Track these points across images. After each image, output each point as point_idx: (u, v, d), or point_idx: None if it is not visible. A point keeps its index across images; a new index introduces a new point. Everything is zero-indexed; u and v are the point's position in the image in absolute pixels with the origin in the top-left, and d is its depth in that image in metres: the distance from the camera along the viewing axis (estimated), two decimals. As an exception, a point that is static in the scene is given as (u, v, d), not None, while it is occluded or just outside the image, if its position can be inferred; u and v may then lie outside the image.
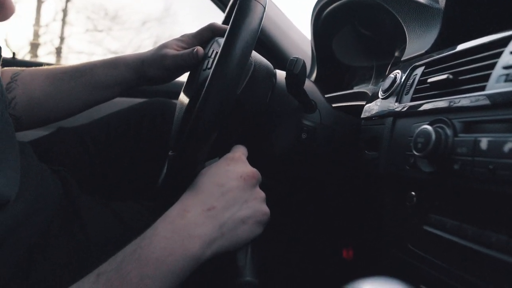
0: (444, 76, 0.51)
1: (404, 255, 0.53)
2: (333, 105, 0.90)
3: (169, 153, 0.75)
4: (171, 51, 0.74)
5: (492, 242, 0.39)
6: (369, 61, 0.97)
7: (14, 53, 1.24)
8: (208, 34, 0.76)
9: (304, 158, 0.74)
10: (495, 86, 0.43)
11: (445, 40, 0.65)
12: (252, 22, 0.56)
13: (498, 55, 0.45)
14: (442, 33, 0.65)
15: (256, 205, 0.55)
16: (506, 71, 0.42)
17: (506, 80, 0.41)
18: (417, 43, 0.69)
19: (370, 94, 0.78)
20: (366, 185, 0.70)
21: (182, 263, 0.47)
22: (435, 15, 0.67)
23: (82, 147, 0.89)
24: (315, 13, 0.98)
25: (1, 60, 0.61)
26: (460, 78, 0.50)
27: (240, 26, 0.55)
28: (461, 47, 0.55)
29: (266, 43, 1.23)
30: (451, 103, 0.48)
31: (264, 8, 0.59)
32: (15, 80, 0.74)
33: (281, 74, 0.77)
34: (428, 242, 0.49)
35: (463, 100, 0.46)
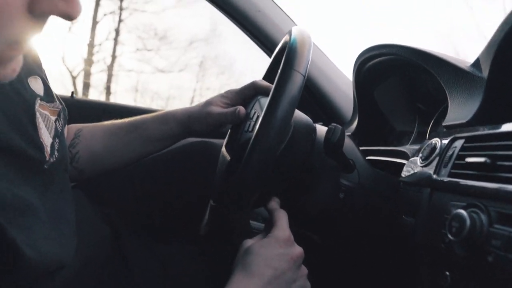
0: (482, 160, 0.52)
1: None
2: (371, 157, 0.91)
3: (211, 202, 0.79)
4: (216, 109, 0.79)
5: None
6: (411, 115, 0.98)
7: (73, 92, 1.33)
8: (250, 92, 0.79)
9: (342, 217, 0.75)
10: (531, 182, 0.43)
11: (488, 112, 0.65)
12: (292, 93, 0.59)
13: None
14: (484, 103, 0.65)
15: (302, 283, 0.61)
16: (543, 168, 0.43)
17: (543, 178, 0.42)
18: (459, 110, 0.70)
19: (410, 154, 0.79)
20: (403, 253, 0.70)
21: None
22: (477, 84, 0.67)
23: (130, 188, 0.95)
24: (357, 65, 1.00)
25: (66, 120, 0.67)
26: (498, 163, 0.50)
27: (280, 97, 0.59)
28: (504, 127, 0.55)
29: (310, 89, 1.25)
30: (488, 190, 0.49)
31: (304, 77, 0.62)
32: (78, 136, 0.81)
33: (321, 129, 0.79)
34: (460, 326, 0.49)
35: (500, 190, 0.47)
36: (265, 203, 0.70)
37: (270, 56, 1.21)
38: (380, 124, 1.07)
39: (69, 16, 0.36)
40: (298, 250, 0.62)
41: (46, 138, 0.57)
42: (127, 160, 0.85)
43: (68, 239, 0.56)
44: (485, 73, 0.66)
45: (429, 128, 0.84)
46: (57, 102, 0.65)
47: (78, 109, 0.93)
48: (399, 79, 0.96)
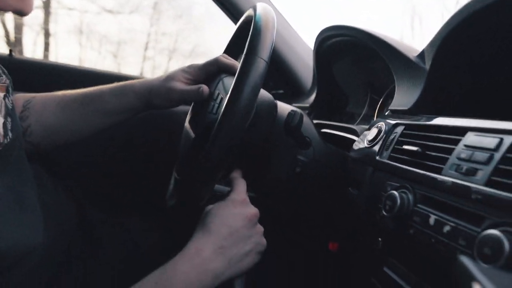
0: (415, 148, 0.62)
1: (367, 285, 0.66)
2: (325, 130, 1.01)
3: (175, 175, 0.85)
4: (178, 85, 0.78)
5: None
6: (364, 92, 1.07)
7: (11, 51, 1.20)
8: (213, 68, 0.79)
9: (297, 189, 0.85)
10: (448, 172, 0.53)
11: (427, 102, 0.74)
12: (255, 80, 0.63)
13: (457, 142, 0.56)
14: (424, 93, 0.74)
15: (257, 239, 0.67)
16: (458, 162, 0.53)
17: (456, 170, 0.52)
18: (403, 97, 0.79)
19: (359, 132, 0.89)
20: (346, 220, 0.82)
21: None
22: (420, 74, 0.76)
23: (90, 159, 0.98)
24: (317, 42, 1.07)
25: (12, 90, 0.65)
26: (427, 152, 0.60)
27: (244, 85, 0.62)
28: (436, 120, 0.65)
29: (273, 57, 1.31)
30: (417, 175, 0.59)
31: (267, 63, 0.67)
32: (28, 108, 0.78)
33: (281, 106, 0.87)
34: (385, 280, 0.61)
35: (425, 176, 0.57)
36: (228, 175, 0.77)
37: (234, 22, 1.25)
38: (336, 98, 1.16)
39: (22, 12, 0.39)
40: (253, 210, 0.68)
41: None
42: (84, 133, 0.83)
43: (34, 221, 0.58)
44: (427, 64, 0.75)
45: (377, 108, 0.93)
46: (4, 76, 0.65)
47: (19, 72, 0.81)
48: (356, 58, 1.05)
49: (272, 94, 1.49)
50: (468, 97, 0.74)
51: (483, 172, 0.48)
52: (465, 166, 0.51)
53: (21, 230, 0.53)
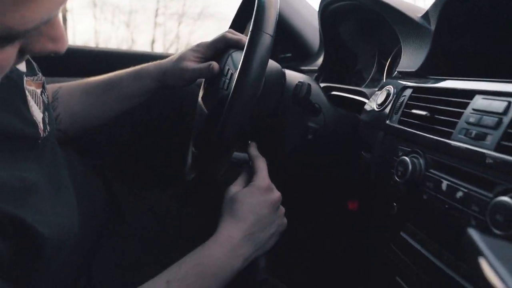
0: (423, 113, 0.62)
1: (387, 251, 0.68)
2: (335, 92, 1.01)
3: (192, 149, 0.88)
4: (190, 64, 0.82)
5: (444, 259, 0.53)
6: (372, 52, 1.06)
7: None
8: (221, 45, 0.82)
9: (311, 156, 0.87)
10: (457, 137, 0.54)
11: (434, 63, 0.74)
12: (262, 54, 0.66)
13: (466, 105, 0.56)
14: (430, 55, 0.74)
15: (279, 221, 0.72)
16: (467, 126, 0.53)
17: (465, 135, 0.53)
18: (410, 58, 0.78)
19: (368, 95, 0.88)
20: (361, 185, 0.83)
21: (230, 275, 0.64)
22: (426, 35, 0.75)
23: (111, 136, 1.02)
24: (321, 7, 1.05)
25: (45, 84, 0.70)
26: (436, 116, 0.61)
27: (252, 60, 0.65)
28: (443, 83, 0.65)
29: (280, 23, 1.30)
30: (427, 139, 0.60)
31: (273, 37, 0.68)
32: (56, 99, 0.82)
33: (289, 74, 0.88)
34: (403, 245, 0.63)
35: (434, 141, 0.58)
36: (243, 147, 0.80)
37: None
38: (344, 59, 1.14)
39: (58, 52, 0.42)
40: (276, 195, 0.73)
41: (37, 114, 0.62)
42: (107, 117, 0.88)
43: (71, 206, 0.62)
44: (433, 25, 0.74)
45: (386, 69, 0.93)
46: (39, 73, 0.68)
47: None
48: (361, 20, 1.03)
49: (281, 58, 1.50)
50: (475, 58, 0.73)
51: (492, 137, 0.49)
52: (474, 130, 0.51)
53: (62, 215, 0.58)
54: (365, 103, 0.86)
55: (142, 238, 0.80)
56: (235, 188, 0.72)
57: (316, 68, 1.19)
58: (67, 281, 0.64)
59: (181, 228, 0.85)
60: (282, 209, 0.74)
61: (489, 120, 0.50)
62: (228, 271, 0.64)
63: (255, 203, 0.69)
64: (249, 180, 0.73)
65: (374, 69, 1.02)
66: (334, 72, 1.15)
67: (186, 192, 0.92)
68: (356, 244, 0.98)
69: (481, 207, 0.47)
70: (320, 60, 1.18)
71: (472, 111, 0.54)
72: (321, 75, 1.16)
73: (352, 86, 1.02)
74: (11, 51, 0.37)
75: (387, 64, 0.93)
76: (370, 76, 1.01)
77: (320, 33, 1.15)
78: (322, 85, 1.12)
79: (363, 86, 1.03)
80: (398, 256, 0.64)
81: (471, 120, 0.53)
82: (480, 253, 0.31)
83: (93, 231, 0.73)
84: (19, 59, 0.40)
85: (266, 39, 0.66)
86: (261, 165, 0.74)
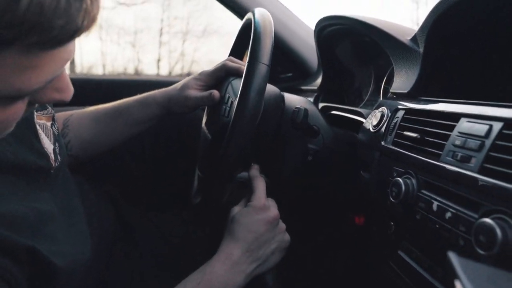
0: (414, 135, 0.65)
1: (386, 268, 0.70)
2: (334, 112, 1.04)
3: (198, 173, 0.92)
4: (193, 92, 0.86)
5: (438, 276, 0.56)
6: (368, 72, 1.09)
7: None
8: (222, 73, 0.86)
9: (312, 176, 0.90)
10: (445, 159, 0.57)
11: (424, 84, 0.76)
12: (259, 83, 0.70)
13: (452, 128, 0.59)
14: (421, 76, 0.76)
15: (280, 237, 0.75)
16: (453, 148, 0.56)
17: (452, 157, 0.56)
18: (402, 80, 0.81)
19: (365, 115, 0.92)
20: (360, 204, 0.86)
21: None
22: (416, 58, 0.78)
23: (120, 160, 1.06)
24: (317, 30, 1.09)
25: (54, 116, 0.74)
26: (426, 138, 0.64)
27: (250, 89, 0.69)
28: (430, 106, 0.68)
29: (278, 45, 1.34)
30: (418, 161, 0.63)
31: (269, 66, 0.72)
32: (67, 126, 0.86)
33: (288, 97, 0.91)
34: (400, 263, 0.66)
35: (425, 162, 0.61)
36: (246, 168, 0.83)
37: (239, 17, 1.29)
38: (342, 78, 1.18)
39: (64, 101, 0.47)
40: (272, 213, 0.75)
41: (48, 145, 0.66)
42: (115, 143, 0.92)
43: (84, 233, 0.66)
44: (421, 48, 0.77)
45: (381, 89, 0.96)
46: (49, 107, 0.72)
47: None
48: (356, 41, 1.06)
49: (281, 78, 1.53)
50: (463, 80, 0.76)
51: (476, 160, 0.51)
52: (459, 153, 0.54)
53: (76, 245, 0.61)
54: (362, 122, 0.89)
55: (150, 259, 0.83)
56: (237, 208, 0.76)
57: (316, 88, 1.23)
58: None
59: (188, 249, 0.88)
60: (283, 226, 0.77)
61: (473, 143, 0.53)
62: (231, 286, 0.68)
63: (251, 222, 0.73)
64: (248, 201, 0.77)
65: (370, 89, 1.06)
66: (333, 91, 1.18)
67: (193, 215, 0.96)
68: (360, 259, 1.00)
69: (467, 228, 0.49)
70: (319, 80, 1.22)
71: (458, 134, 0.56)
72: (320, 95, 1.20)
73: (350, 105, 1.05)
74: (21, 105, 0.42)
75: (383, 84, 0.96)
76: (367, 96, 1.04)
77: (318, 54, 1.19)
78: (321, 105, 1.16)
79: (361, 105, 1.06)
80: (396, 273, 0.67)
81: (457, 142, 0.56)
82: (456, 276, 0.34)
83: (104, 253, 0.76)
84: (28, 108, 0.45)
85: (263, 68, 0.70)
86: (259, 185, 0.78)
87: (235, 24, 1.35)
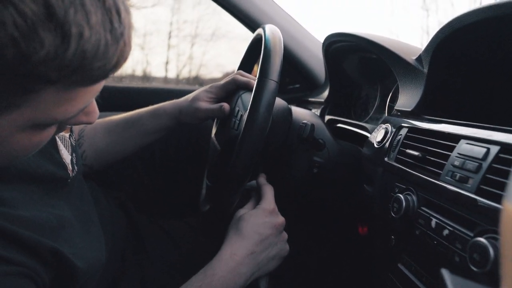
0: (416, 153, 0.68)
1: (386, 280, 0.73)
2: (340, 125, 1.07)
3: (207, 182, 0.95)
4: (203, 105, 0.89)
5: (436, 291, 0.59)
6: (375, 85, 1.12)
7: None
8: (232, 87, 0.89)
9: (317, 188, 0.93)
10: (445, 178, 0.60)
11: (428, 103, 0.79)
12: (268, 99, 0.73)
13: (452, 148, 0.62)
14: (425, 95, 0.79)
15: (281, 245, 0.78)
16: (453, 169, 0.59)
17: (451, 177, 0.58)
18: (407, 98, 0.84)
19: (370, 130, 0.95)
20: (363, 218, 0.88)
21: None
22: (420, 77, 0.81)
23: (131, 168, 1.10)
24: (324, 46, 1.12)
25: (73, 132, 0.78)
26: (427, 157, 0.66)
27: (259, 105, 0.72)
28: (432, 125, 0.71)
29: (287, 57, 1.38)
30: (419, 179, 0.65)
31: (277, 83, 0.75)
32: (82, 137, 0.90)
33: (296, 111, 0.94)
34: (400, 276, 0.69)
35: (425, 181, 0.64)
36: (254, 178, 0.86)
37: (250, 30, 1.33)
38: (349, 93, 1.21)
39: (90, 123, 0.51)
40: (280, 219, 0.79)
41: (66, 156, 0.70)
42: (127, 152, 0.95)
43: (100, 239, 0.69)
44: (425, 68, 0.80)
45: (387, 105, 0.99)
46: None
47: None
48: (363, 57, 1.09)
49: (289, 89, 1.57)
50: (466, 101, 0.79)
51: (473, 181, 0.54)
52: (458, 173, 0.57)
53: (92, 249, 0.65)
54: (367, 136, 0.92)
55: (160, 264, 0.86)
56: (243, 210, 0.79)
57: (323, 100, 1.26)
58: None
59: (197, 255, 0.91)
60: (285, 235, 0.80)
61: (471, 165, 0.56)
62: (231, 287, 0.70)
63: (259, 223, 0.75)
64: (256, 204, 0.80)
65: (376, 104, 1.09)
66: (340, 104, 1.21)
67: (201, 222, 0.99)
68: (360, 270, 1.03)
69: (463, 245, 0.52)
70: (327, 93, 1.25)
71: (457, 155, 0.59)
72: (327, 107, 1.23)
73: (357, 119, 1.08)
74: (53, 129, 0.47)
75: (388, 100, 0.99)
76: (372, 111, 1.07)
77: (325, 68, 1.22)
78: (327, 117, 1.19)
79: (366, 119, 1.09)
80: (395, 285, 0.70)
81: (456, 163, 0.58)
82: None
83: (117, 258, 0.80)
84: (59, 130, 0.50)
85: (272, 85, 0.73)
86: (268, 191, 0.81)
87: (242, 29, 1.39)
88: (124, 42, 0.41)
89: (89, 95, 0.45)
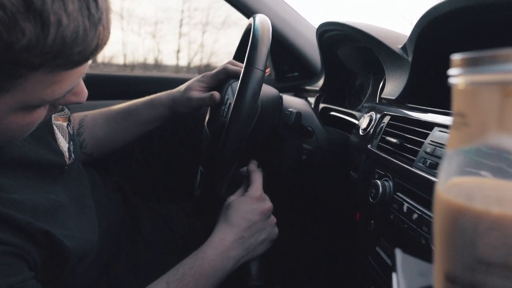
0: (395, 140, 0.70)
1: (366, 263, 0.76)
2: (333, 113, 1.09)
3: (201, 168, 0.99)
4: (195, 94, 0.92)
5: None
6: (368, 73, 1.13)
7: None
8: (223, 76, 0.91)
9: (306, 174, 0.95)
10: (417, 165, 0.62)
11: (412, 92, 0.81)
12: (254, 88, 0.74)
13: (427, 136, 0.63)
14: (409, 84, 0.81)
15: (270, 229, 0.81)
16: (425, 155, 0.61)
17: (423, 163, 0.60)
18: (392, 86, 0.86)
19: (358, 118, 0.96)
20: (347, 202, 0.91)
21: (222, 276, 0.74)
22: (405, 66, 0.82)
23: (130, 155, 1.14)
24: (318, 34, 1.14)
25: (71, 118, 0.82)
26: (404, 144, 0.68)
27: (245, 93, 0.74)
28: (411, 113, 0.72)
29: (284, 44, 1.39)
30: (395, 165, 0.68)
31: (263, 71, 0.77)
32: (82, 126, 0.94)
33: (286, 99, 0.96)
34: (377, 258, 0.71)
35: (400, 167, 0.66)
36: (246, 164, 0.89)
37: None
38: (343, 81, 1.22)
39: (79, 102, 0.55)
40: (267, 204, 0.82)
41: (63, 144, 0.73)
42: (126, 141, 0.99)
43: (93, 223, 0.73)
44: (410, 57, 0.81)
45: (378, 93, 1.00)
46: (66, 109, 0.80)
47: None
48: (356, 46, 1.11)
49: (288, 77, 1.58)
50: (448, 89, 0.80)
51: (441, 167, 0.56)
52: (429, 160, 0.59)
53: (85, 231, 0.68)
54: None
55: (154, 246, 0.90)
56: (233, 197, 0.82)
57: (318, 88, 1.27)
58: (89, 283, 0.75)
59: (189, 238, 0.95)
60: (274, 219, 0.83)
61: (440, 152, 0.57)
62: (221, 271, 0.73)
63: (247, 210, 0.79)
64: (245, 191, 0.83)
65: (368, 92, 1.10)
66: (335, 93, 1.23)
67: (194, 206, 1.02)
68: (348, 253, 1.06)
69: (429, 228, 0.54)
70: (321, 82, 1.26)
71: (430, 142, 0.61)
72: (322, 95, 1.25)
73: (351, 107, 1.10)
74: (43, 110, 0.51)
75: (379, 88, 1.01)
76: (365, 99, 1.09)
77: (320, 56, 1.24)
78: (322, 105, 1.21)
79: (359, 107, 1.11)
80: (374, 267, 0.72)
81: (428, 150, 0.60)
82: (395, 269, 0.39)
83: (113, 240, 0.84)
84: (50, 111, 0.53)
85: (257, 74, 0.75)
86: (256, 178, 0.84)
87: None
88: (102, 26, 0.44)
89: (74, 77, 0.48)
